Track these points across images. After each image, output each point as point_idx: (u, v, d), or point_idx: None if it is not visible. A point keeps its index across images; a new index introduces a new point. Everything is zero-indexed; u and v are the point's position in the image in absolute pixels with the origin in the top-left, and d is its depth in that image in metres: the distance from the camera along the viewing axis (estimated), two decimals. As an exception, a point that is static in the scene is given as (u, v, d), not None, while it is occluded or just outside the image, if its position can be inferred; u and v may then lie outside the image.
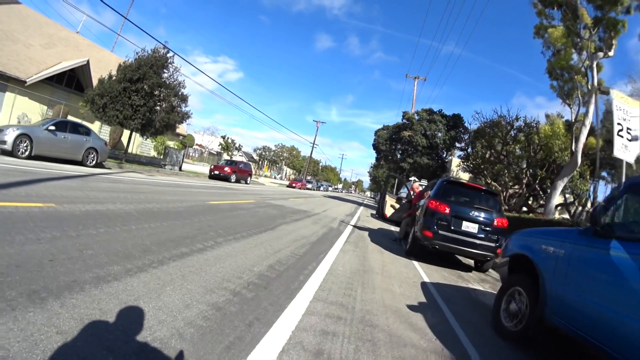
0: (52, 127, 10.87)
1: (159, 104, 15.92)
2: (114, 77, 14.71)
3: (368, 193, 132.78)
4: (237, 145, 48.03)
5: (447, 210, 6.53)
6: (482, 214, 6.49)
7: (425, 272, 5.78)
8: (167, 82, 15.80)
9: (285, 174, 75.09)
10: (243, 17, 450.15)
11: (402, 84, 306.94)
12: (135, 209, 5.42)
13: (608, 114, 16.64)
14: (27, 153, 10.10)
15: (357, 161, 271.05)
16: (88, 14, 49.14)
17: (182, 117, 16.41)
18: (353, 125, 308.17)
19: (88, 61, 18.79)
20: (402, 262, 6.29)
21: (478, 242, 6.36)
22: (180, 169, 19.25)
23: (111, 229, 3.85)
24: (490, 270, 7.25)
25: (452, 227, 6.43)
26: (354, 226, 10.46)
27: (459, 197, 6.92)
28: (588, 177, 22.31)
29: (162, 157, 19.87)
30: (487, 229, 6.43)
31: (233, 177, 21.40)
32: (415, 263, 6.44)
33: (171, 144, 24.89)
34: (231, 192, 13.31)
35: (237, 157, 46.83)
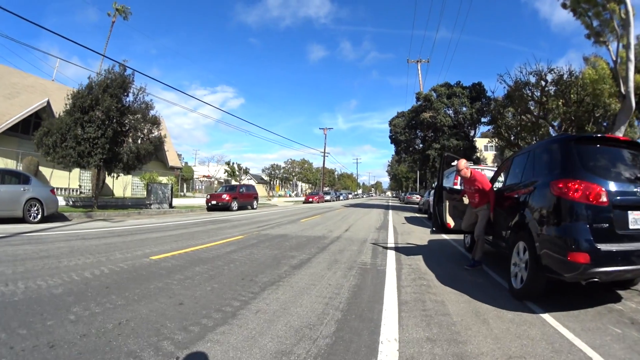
0: (-27, 181, 8.20)
1: (128, 133, 13.11)
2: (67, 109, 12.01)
3: (388, 193, 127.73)
4: (243, 168, 45.43)
5: (604, 198, 3.07)
6: None
7: (588, 344, 2.51)
8: (130, 107, 12.94)
9: (301, 189, 71.93)
10: (233, 44, 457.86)
11: (403, 78, 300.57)
12: None
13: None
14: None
15: (371, 164, 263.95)
16: (59, 57, 48.02)
17: (154, 143, 13.42)
18: (361, 129, 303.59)
19: (48, 101, 16.39)
20: (534, 334, 2.74)
21: None
22: (170, 206, 16.29)
23: None
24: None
25: (617, 230, 3.05)
26: (396, 249, 6.93)
27: (606, 166, 3.40)
28: (636, 124, 18.56)
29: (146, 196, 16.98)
30: None
31: (234, 205, 18.26)
32: (553, 321, 3.00)
33: (164, 179, 22.16)
34: (216, 226, 9.99)
35: (245, 180, 44.06)
